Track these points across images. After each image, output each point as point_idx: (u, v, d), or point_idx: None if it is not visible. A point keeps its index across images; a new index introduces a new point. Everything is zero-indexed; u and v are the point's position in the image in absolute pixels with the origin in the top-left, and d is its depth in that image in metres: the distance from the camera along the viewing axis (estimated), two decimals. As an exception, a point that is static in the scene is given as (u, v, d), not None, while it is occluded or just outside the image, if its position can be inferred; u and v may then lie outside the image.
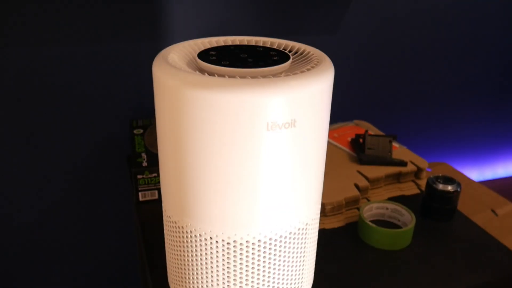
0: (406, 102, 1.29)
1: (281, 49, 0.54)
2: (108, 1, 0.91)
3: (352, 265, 0.67)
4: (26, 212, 1.05)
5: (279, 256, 0.52)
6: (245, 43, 0.56)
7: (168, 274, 0.61)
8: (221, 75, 0.45)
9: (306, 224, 0.53)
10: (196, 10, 0.99)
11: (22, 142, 0.98)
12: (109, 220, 1.12)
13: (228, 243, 0.50)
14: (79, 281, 1.18)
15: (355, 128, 1.01)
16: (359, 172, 0.84)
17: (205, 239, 0.50)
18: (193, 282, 0.54)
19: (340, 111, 1.22)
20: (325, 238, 0.73)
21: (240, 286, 0.52)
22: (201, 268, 0.52)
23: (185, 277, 0.55)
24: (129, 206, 1.13)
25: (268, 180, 0.46)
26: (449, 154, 1.44)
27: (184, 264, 0.54)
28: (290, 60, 0.49)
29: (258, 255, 0.50)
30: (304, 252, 0.55)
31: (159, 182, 0.80)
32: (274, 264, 0.52)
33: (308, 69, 0.47)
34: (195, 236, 0.51)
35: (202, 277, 0.53)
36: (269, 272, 0.52)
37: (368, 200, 0.81)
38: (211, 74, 0.45)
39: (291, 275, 0.54)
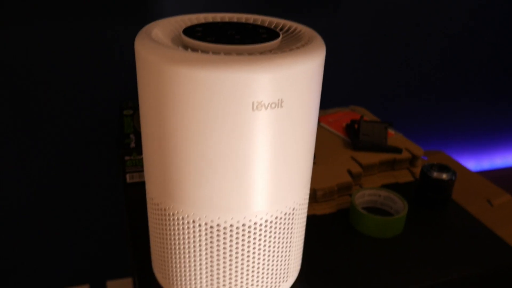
0: (404, 89, 1.27)
1: (271, 27, 0.52)
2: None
3: (342, 252, 0.66)
4: (14, 193, 1.04)
5: (264, 241, 0.50)
6: (235, 20, 0.54)
7: (152, 258, 0.59)
8: (205, 51, 0.42)
9: (293, 209, 0.51)
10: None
11: (10, 123, 0.96)
12: (99, 202, 1.11)
13: (211, 227, 0.48)
14: (67, 264, 1.17)
15: (350, 114, 0.99)
16: (353, 158, 0.82)
17: (188, 222, 0.49)
18: (175, 266, 0.53)
19: (336, 97, 1.20)
20: (316, 224, 0.71)
21: (224, 271, 0.51)
22: (184, 252, 0.51)
23: (168, 261, 0.54)
24: (119, 188, 1.11)
25: (253, 162, 0.45)
26: (446, 143, 1.43)
27: (167, 248, 0.53)
28: (280, 38, 0.47)
29: (242, 240, 0.49)
30: (290, 238, 0.53)
31: (148, 164, 0.78)
32: (259, 249, 0.50)
33: (297, 47, 0.45)
34: (178, 219, 0.49)
35: (185, 261, 0.51)
36: (253, 258, 0.50)
37: (361, 187, 0.80)
38: (194, 50, 0.43)
39: (277, 261, 0.53)
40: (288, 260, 0.55)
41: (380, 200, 0.75)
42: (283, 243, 0.52)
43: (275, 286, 0.55)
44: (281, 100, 0.43)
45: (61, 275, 1.18)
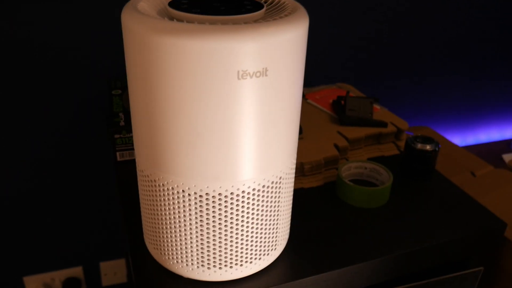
0: (391, 67, 1.29)
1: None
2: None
3: (329, 222, 0.68)
4: (3, 174, 1.04)
5: (252, 209, 0.52)
6: (219, -7, 0.55)
7: (144, 231, 0.61)
8: (190, 22, 0.43)
9: (280, 178, 0.53)
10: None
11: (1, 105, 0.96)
12: (90, 183, 1.12)
13: (200, 196, 0.49)
14: (60, 247, 1.18)
15: (337, 91, 1.01)
16: (339, 133, 0.84)
17: (177, 192, 0.50)
18: (166, 236, 0.54)
19: (323, 75, 1.21)
20: (304, 197, 0.73)
21: (213, 239, 0.52)
22: (174, 222, 0.52)
23: (159, 232, 0.55)
24: (111, 167, 1.12)
25: (239, 131, 0.46)
26: (432, 120, 1.45)
27: (158, 219, 0.54)
28: (264, 9, 0.48)
29: (231, 208, 0.50)
30: (278, 206, 0.55)
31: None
32: (247, 217, 0.52)
33: (281, 17, 0.46)
34: (168, 189, 0.50)
35: (175, 231, 0.53)
36: (242, 226, 0.52)
37: (348, 160, 0.81)
38: (180, 21, 0.44)
39: (265, 229, 0.54)
40: (276, 228, 0.57)
41: (366, 173, 0.77)
42: (270, 211, 0.54)
43: (264, 254, 0.56)
44: (266, 68, 0.44)
45: (54, 257, 1.19)
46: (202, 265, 0.54)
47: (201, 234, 0.52)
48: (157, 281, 0.56)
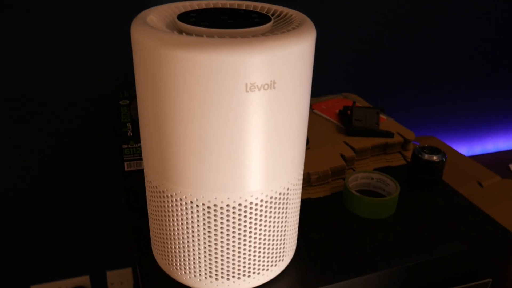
0: (396, 76, 1.29)
1: (263, 12, 0.53)
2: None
3: (337, 233, 0.68)
4: (12, 184, 1.05)
5: (260, 221, 0.52)
6: (227, 6, 0.55)
7: (152, 241, 0.61)
8: (199, 35, 0.44)
9: (288, 189, 0.53)
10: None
11: (7, 115, 0.97)
12: (97, 192, 1.12)
13: (208, 207, 0.50)
14: (67, 255, 1.18)
15: (343, 100, 1.01)
16: (345, 143, 0.84)
17: (186, 203, 0.50)
18: (175, 247, 0.54)
19: (329, 84, 1.22)
20: (310, 207, 0.73)
21: (221, 250, 0.52)
22: (182, 233, 0.52)
23: (167, 243, 0.55)
24: (118, 178, 1.13)
25: (248, 142, 0.46)
26: (438, 129, 1.45)
27: (166, 230, 0.54)
28: (271, 22, 0.49)
29: (239, 220, 0.50)
30: (285, 217, 0.55)
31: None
32: (255, 228, 0.52)
33: (288, 30, 0.46)
34: (176, 200, 0.51)
35: (183, 242, 0.53)
36: (250, 237, 0.52)
37: (354, 171, 0.81)
38: (189, 34, 0.44)
39: (273, 240, 0.55)
40: (284, 239, 0.57)
41: (373, 183, 0.77)
42: (278, 222, 0.54)
43: (272, 265, 0.57)
44: (274, 81, 0.44)
45: (61, 266, 1.19)
46: (210, 276, 0.54)
47: (209, 245, 0.52)
48: (165, 292, 0.57)
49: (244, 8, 0.55)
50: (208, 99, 0.43)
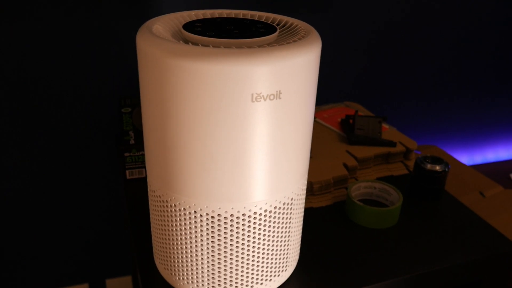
0: (398, 86, 1.29)
1: (268, 22, 0.53)
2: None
3: (339, 243, 0.67)
4: (12, 191, 1.04)
5: (264, 230, 0.51)
6: (233, 16, 0.55)
7: (154, 250, 0.61)
8: (205, 45, 0.44)
9: (291, 199, 0.53)
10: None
11: (10, 121, 0.97)
12: (98, 200, 1.12)
13: (212, 217, 0.49)
14: (66, 263, 1.18)
15: (345, 109, 1.01)
16: (348, 152, 0.84)
17: (189, 213, 0.50)
18: (177, 257, 0.54)
19: (331, 93, 1.22)
20: (313, 216, 0.73)
21: (225, 260, 0.52)
22: (185, 243, 0.52)
23: (170, 252, 0.55)
24: (119, 186, 1.12)
25: (253, 153, 0.46)
26: (439, 138, 1.45)
27: (169, 239, 0.54)
28: (277, 32, 0.49)
29: (243, 230, 0.50)
30: (289, 227, 0.55)
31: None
32: (259, 238, 0.52)
33: (294, 41, 0.46)
34: (180, 210, 0.50)
35: (186, 251, 0.53)
36: (253, 247, 0.52)
37: (357, 180, 0.81)
38: (195, 44, 0.44)
39: (276, 250, 0.54)
40: (287, 249, 0.56)
41: (375, 192, 0.77)
42: (282, 232, 0.54)
43: (275, 275, 0.56)
44: (279, 91, 0.44)
45: (60, 274, 1.18)
46: (212, 286, 0.54)
47: (212, 255, 0.52)
48: (167, 302, 0.56)
49: (249, 17, 0.55)
50: (213, 109, 0.43)
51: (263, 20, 0.54)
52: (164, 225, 0.54)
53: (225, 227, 0.50)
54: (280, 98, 0.44)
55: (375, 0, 1.14)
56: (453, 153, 1.47)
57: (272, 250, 0.54)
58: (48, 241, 1.13)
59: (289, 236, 0.56)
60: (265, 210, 0.50)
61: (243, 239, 0.51)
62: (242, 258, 0.52)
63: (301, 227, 0.59)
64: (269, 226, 0.52)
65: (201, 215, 0.50)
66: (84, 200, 1.11)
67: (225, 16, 0.55)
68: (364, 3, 1.13)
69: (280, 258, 0.56)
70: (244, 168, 0.47)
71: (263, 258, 0.53)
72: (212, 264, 0.52)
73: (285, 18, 0.54)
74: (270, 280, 0.56)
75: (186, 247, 0.52)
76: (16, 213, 1.07)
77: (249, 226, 0.50)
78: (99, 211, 1.13)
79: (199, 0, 0.99)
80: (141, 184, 0.80)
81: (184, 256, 0.53)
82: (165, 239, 0.55)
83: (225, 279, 0.53)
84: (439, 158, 0.77)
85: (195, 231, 0.51)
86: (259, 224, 0.51)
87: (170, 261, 0.56)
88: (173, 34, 0.50)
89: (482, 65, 1.37)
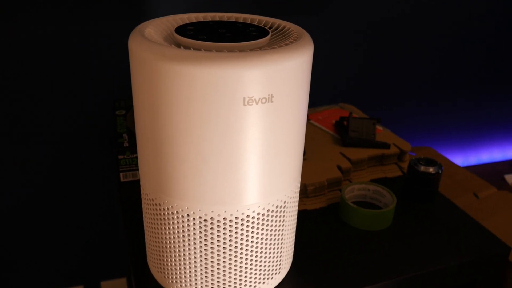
0: (392, 87, 1.29)
1: (261, 25, 0.53)
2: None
3: (333, 245, 0.68)
4: (8, 193, 1.04)
5: (257, 233, 0.52)
6: (225, 19, 0.56)
7: (147, 253, 0.60)
8: (197, 49, 0.44)
9: (284, 202, 0.53)
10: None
11: (5, 124, 0.96)
12: (92, 203, 1.12)
13: (205, 220, 0.49)
14: (61, 265, 1.17)
15: (340, 111, 1.01)
16: (342, 154, 0.84)
17: (182, 216, 0.50)
18: (171, 260, 0.54)
19: (326, 95, 1.22)
20: (307, 219, 0.73)
21: (218, 263, 0.52)
22: (178, 246, 0.52)
23: (163, 255, 0.55)
24: (113, 188, 1.12)
25: (245, 156, 0.46)
26: (433, 140, 1.45)
27: (162, 242, 0.54)
28: (269, 36, 0.49)
29: (236, 233, 0.50)
30: (282, 230, 0.55)
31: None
32: (252, 241, 0.52)
33: (286, 44, 0.46)
34: (172, 213, 0.50)
35: (179, 254, 0.53)
36: (246, 250, 0.52)
37: (351, 182, 0.81)
38: (187, 48, 0.45)
39: (269, 252, 0.54)
40: (281, 252, 0.57)
41: (369, 194, 0.77)
42: (275, 235, 0.54)
43: (268, 278, 0.56)
44: (271, 95, 0.44)
45: (56, 276, 1.18)
46: (206, 289, 0.54)
47: (205, 258, 0.52)
48: (161, 305, 0.56)
49: (241, 21, 0.55)
50: (205, 112, 0.43)
51: (255, 24, 0.54)
52: (157, 228, 0.54)
53: (218, 230, 0.50)
54: (272, 101, 0.44)
55: (368, 3, 1.14)
56: (447, 154, 1.48)
57: (266, 252, 0.54)
58: (44, 243, 1.13)
59: (282, 238, 0.56)
60: (258, 213, 0.50)
61: (236, 242, 0.51)
62: (235, 261, 0.52)
63: (294, 229, 0.59)
64: (262, 229, 0.52)
65: (194, 218, 0.50)
66: (80, 203, 1.11)
67: (218, 19, 0.55)
68: (358, 6, 1.14)
69: (273, 261, 0.56)
70: (236, 172, 0.47)
71: (256, 261, 0.53)
72: (205, 267, 0.52)
73: (277, 21, 0.54)
74: (264, 282, 0.56)
75: (179, 250, 0.52)
76: (11, 215, 1.07)
77: (242, 229, 0.50)
78: (95, 213, 1.13)
79: (193, 4, 0.99)
80: (135, 187, 0.80)
81: (177, 259, 0.53)
82: (158, 242, 0.55)
83: (218, 282, 0.53)
84: (432, 160, 0.77)
85: (188, 234, 0.51)
86: (252, 227, 0.51)
87: (163, 264, 0.56)
88: (165, 38, 0.50)
89: (476, 66, 1.38)
